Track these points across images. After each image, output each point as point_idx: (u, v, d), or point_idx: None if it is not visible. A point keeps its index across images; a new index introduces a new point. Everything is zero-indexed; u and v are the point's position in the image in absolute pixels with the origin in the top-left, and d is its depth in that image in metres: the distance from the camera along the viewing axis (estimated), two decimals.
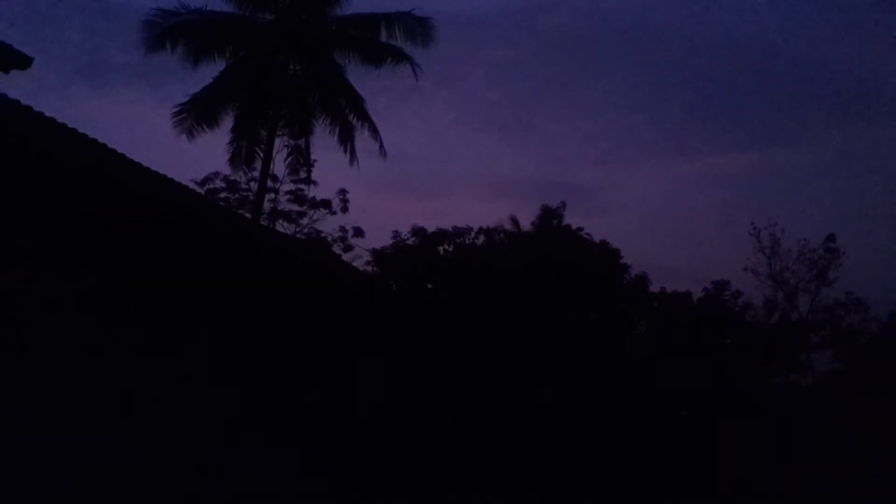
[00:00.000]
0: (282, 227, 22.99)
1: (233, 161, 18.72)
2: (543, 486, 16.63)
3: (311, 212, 23.70)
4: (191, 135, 17.42)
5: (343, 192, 23.75)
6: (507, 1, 55.54)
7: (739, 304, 26.14)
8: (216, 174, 22.45)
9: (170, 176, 8.74)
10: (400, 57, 17.89)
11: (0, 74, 7.35)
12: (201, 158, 46.38)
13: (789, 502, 18.76)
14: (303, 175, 22.05)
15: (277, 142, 18.46)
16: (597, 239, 21.65)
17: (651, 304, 24.35)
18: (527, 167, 61.41)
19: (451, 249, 21.69)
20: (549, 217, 21.78)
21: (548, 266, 19.44)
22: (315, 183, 23.01)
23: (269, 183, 20.67)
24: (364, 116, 18.28)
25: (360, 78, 18.47)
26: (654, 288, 23.76)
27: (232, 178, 21.89)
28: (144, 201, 8.50)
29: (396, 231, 21.57)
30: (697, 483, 19.14)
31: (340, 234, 23.45)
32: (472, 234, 22.07)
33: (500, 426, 16.91)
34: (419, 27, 17.61)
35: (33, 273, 7.06)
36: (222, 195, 22.53)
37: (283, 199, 23.52)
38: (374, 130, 18.23)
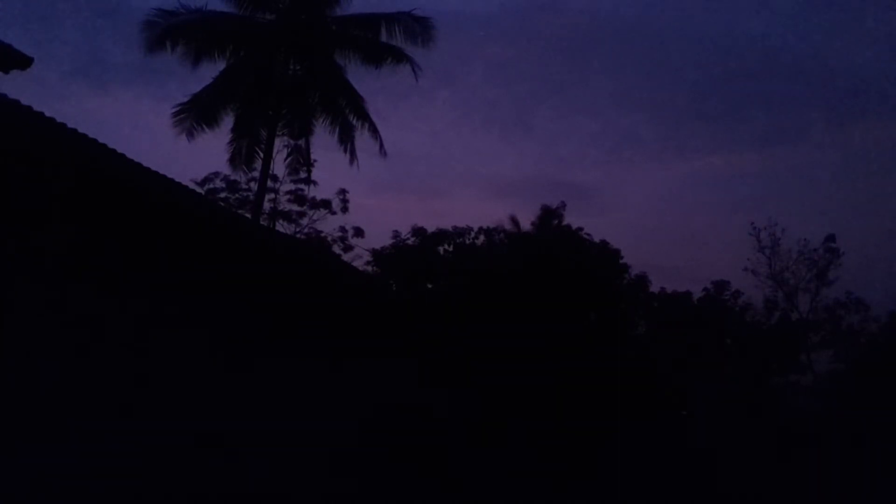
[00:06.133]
0: (282, 227, 23.04)
1: (233, 161, 18.73)
2: (542, 484, 16.62)
3: (311, 212, 23.81)
4: (191, 135, 17.42)
5: (343, 192, 23.86)
6: (507, 1, 55.55)
7: (739, 304, 26.21)
8: (216, 174, 22.54)
9: (169, 176, 8.74)
10: (400, 57, 17.89)
11: (0, 74, 7.36)
12: (201, 158, 46.42)
13: (789, 502, 18.75)
14: (303, 175, 22.08)
15: (277, 142, 18.46)
16: (597, 239, 21.65)
17: (651, 304, 24.37)
18: (527, 167, 61.46)
19: (451, 249, 21.69)
20: (549, 217, 21.76)
21: (548, 266, 19.41)
22: (315, 183, 23.11)
23: (269, 183, 20.69)
24: (364, 116, 18.27)
25: (360, 78, 18.49)
26: (654, 288, 23.84)
27: (232, 178, 21.96)
28: (144, 201, 8.50)
29: (396, 231, 21.61)
30: (697, 483, 19.13)
31: (340, 234, 23.55)
32: (472, 234, 22.09)
33: (499, 425, 16.89)
34: (419, 27, 17.62)
35: (32, 272, 7.06)
36: (222, 195, 22.56)
37: (283, 199, 23.61)
38: (374, 130, 18.24)
